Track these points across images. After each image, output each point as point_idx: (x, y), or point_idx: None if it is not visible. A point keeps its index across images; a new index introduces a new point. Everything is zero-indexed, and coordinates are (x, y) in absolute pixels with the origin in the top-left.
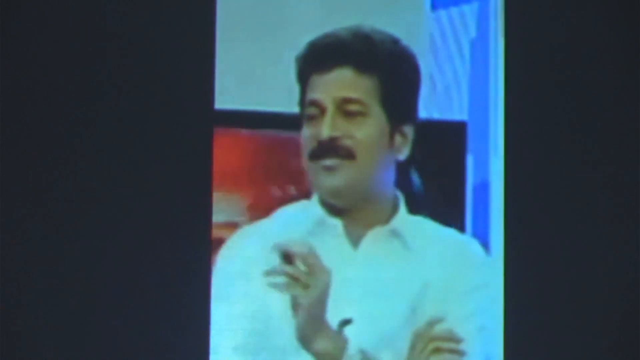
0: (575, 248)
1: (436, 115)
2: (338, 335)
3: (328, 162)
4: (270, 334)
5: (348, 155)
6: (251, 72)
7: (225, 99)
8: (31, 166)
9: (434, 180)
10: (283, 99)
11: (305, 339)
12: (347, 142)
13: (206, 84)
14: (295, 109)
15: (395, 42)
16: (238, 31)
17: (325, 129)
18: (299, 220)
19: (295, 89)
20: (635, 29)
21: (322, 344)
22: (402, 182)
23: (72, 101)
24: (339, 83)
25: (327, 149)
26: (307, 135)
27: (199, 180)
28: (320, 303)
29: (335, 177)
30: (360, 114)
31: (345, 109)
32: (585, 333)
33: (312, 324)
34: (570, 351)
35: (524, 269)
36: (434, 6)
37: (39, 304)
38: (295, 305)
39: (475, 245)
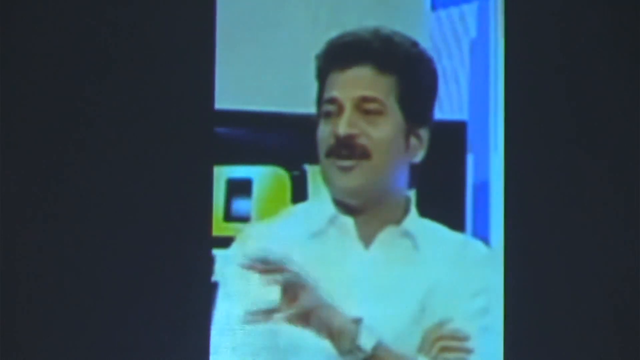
0: (575, 247)
1: (436, 115)
2: (349, 319)
3: (343, 162)
4: (270, 334)
5: (363, 154)
6: (251, 72)
7: (225, 99)
8: (31, 167)
9: (434, 180)
10: (283, 99)
11: (319, 323)
12: (364, 141)
13: (206, 84)
14: (295, 108)
15: (414, 44)
16: (238, 31)
17: (343, 127)
18: (310, 219)
19: (295, 88)
20: (635, 28)
21: (339, 324)
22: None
23: (72, 101)
24: (358, 81)
25: (344, 146)
26: (324, 132)
27: (199, 180)
28: (315, 291)
29: (350, 177)
30: (378, 113)
31: (363, 108)
32: (585, 332)
33: (322, 306)
34: (570, 350)
35: (525, 268)
36: (434, 6)
37: (39, 304)
38: (291, 295)
39: (481, 248)
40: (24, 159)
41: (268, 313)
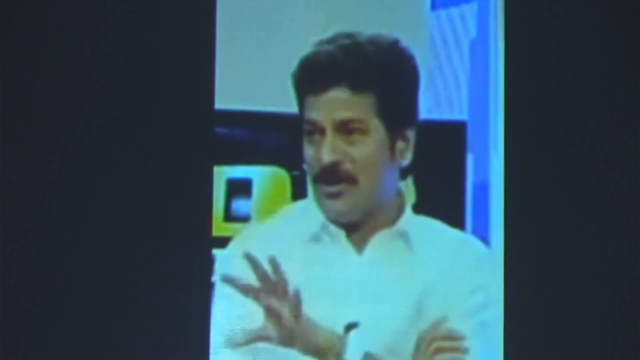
0: (575, 247)
1: (436, 115)
2: (334, 333)
3: (331, 188)
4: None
5: (349, 179)
6: (251, 72)
7: (225, 99)
8: (31, 167)
9: (434, 180)
10: (283, 99)
11: (305, 342)
12: (348, 167)
13: (206, 84)
14: (295, 108)
15: (392, 45)
16: (238, 31)
17: (326, 155)
18: (302, 223)
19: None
20: (635, 29)
21: (325, 341)
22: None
23: (71, 101)
24: (336, 104)
25: (330, 173)
26: (308, 155)
27: (199, 180)
28: (300, 303)
29: (340, 202)
30: (360, 131)
31: (344, 129)
32: (585, 332)
33: (307, 325)
34: (570, 350)
35: (524, 268)
36: (434, 6)
37: (39, 304)
38: (276, 318)
39: (478, 245)
40: (24, 159)
41: (253, 336)
